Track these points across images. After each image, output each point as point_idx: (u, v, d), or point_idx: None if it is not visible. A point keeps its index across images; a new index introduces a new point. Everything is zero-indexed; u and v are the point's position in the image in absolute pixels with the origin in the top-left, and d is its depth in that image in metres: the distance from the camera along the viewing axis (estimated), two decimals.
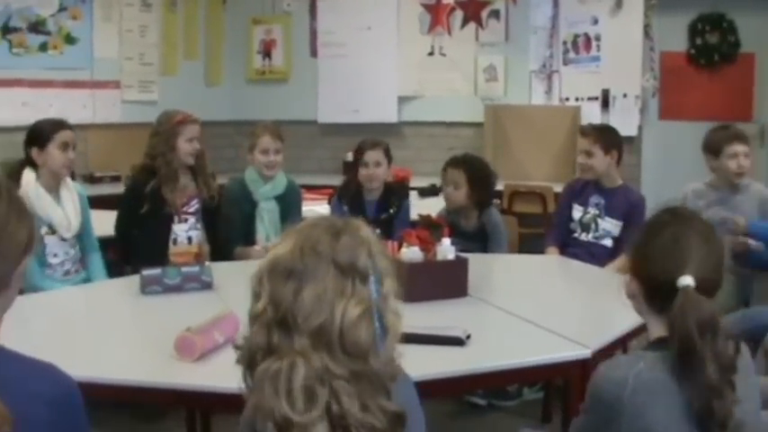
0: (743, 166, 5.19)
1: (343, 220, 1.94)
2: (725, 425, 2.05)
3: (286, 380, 1.72)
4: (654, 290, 2.24)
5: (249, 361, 1.81)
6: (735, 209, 5.19)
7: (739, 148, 5.19)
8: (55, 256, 4.72)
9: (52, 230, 4.68)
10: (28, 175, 4.62)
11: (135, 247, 5.02)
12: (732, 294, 5.03)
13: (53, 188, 4.70)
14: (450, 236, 4.14)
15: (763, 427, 2.28)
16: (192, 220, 5.01)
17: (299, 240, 1.84)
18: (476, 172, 5.31)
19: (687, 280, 2.14)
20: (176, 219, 4.94)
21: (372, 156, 5.29)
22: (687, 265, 2.17)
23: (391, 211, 5.31)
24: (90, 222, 4.98)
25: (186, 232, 4.82)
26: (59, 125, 4.70)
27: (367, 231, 1.91)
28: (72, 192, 4.82)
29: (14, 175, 4.54)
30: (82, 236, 4.89)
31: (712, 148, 5.28)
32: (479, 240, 5.28)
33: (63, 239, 4.74)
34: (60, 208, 4.69)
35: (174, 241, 4.79)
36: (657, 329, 2.24)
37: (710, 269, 2.21)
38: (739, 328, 4.55)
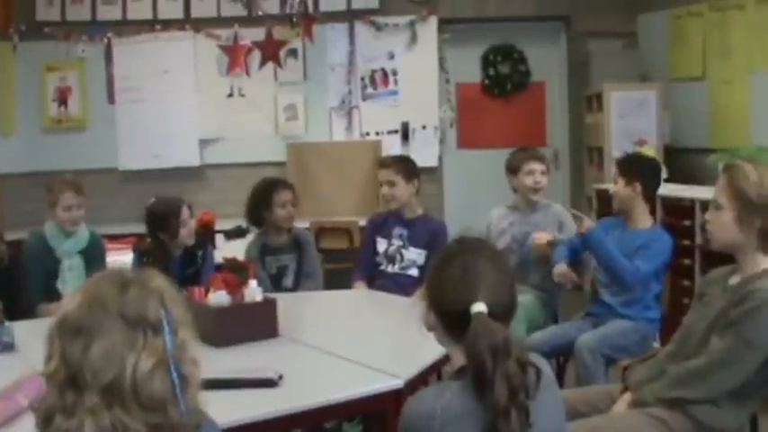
0: (539, 182, 5.46)
1: (133, 271, 1.92)
2: None
3: None
4: (450, 320, 2.28)
5: (44, 424, 1.77)
6: (536, 226, 5.42)
7: (535, 165, 5.47)
8: None
9: None
10: None
11: None
12: (541, 311, 5.26)
13: None
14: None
15: None
16: None
17: (86, 296, 1.81)
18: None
19: (479, 307, 2.20)
20: None
21: (186, 212, 5.14)
22: (479, 292, 2.22)
23: (198, 261, 5.21)
24: None
25: None
26: None
27: (159, 281, 1.90)
28: None
29: None
30: None
31: (511, 167, 5.58)
32: (293, 251, 5.45)
33: None
34: None
35: None
36: (459, 358, 2.28)
37: (502, 294, 2.27)
38: (555, 341, 4.75)
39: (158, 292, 1.86)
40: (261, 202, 5.41)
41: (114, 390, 1.73)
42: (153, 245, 5.13)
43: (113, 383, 1.73)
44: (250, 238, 5.78)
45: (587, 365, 4.49)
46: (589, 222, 4.88)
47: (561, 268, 4.98)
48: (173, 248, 5.01)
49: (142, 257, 5.12)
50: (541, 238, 5.24)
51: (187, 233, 5.00)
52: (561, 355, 4.98)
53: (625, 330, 4.67)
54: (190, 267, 5.15)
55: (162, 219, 4.97)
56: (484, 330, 2.15)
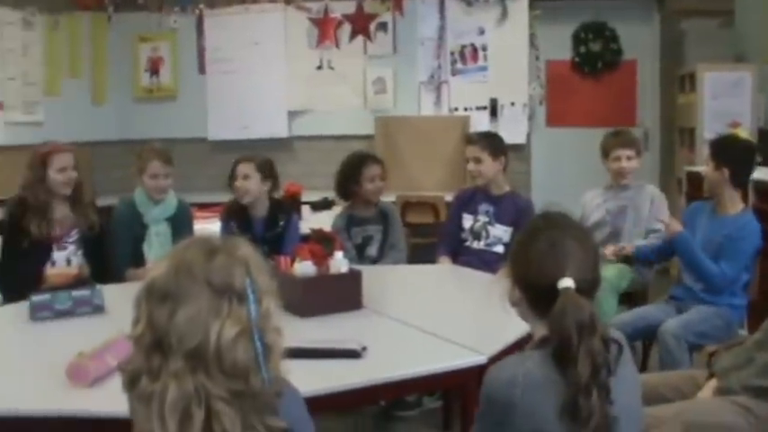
0: (624, 168, 5.50)
1: (220, 239, 1.94)
2: (587, 423, 2.08)
3: (158, 403, 1.72)
4: (536, 294, 2.27)
5: (130, 385, 1.80)
6: (630, 200, 5.52)
7: (621, 152, 5.51)
8: None
9: None
10: None
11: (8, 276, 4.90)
12: (631, 277, 5.32)
13: None
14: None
15: (640, 424, 2.32)
16: (71, 248, 4.93)
17: (173, 262, 1.83)
18: None
19: (567, 282, 2.19)
20: (55, 248, 4.87)
21: (241, 169, 5.23)
22: (566, 267, 2.22)
23: (280, 225, 5.28)
24: None
25: (65, 257, 4.82)
26: None
27: (246, 250, 1.91)
28: None
29: None
30: None
31: (602, 151, 5.63)
32: (380, 222, 5.52)
33: None
34: None
35: (53, 264, 4.76)
36: (541, 333, 2.27)
37: (588, 270, 2.26)
38: (639, 324, 4.69)
39: (244, 261, 1.87)
40: (350, 177, 5.47)
41: (198, 356, 1.76)
42: (236, 207, 5.22)
43: (197, 349, 1.76)
44: (336, 210, 5.81)
45: (671, 351, 4.42)
46: (677, 226, 4.83)
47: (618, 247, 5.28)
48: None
49: (229, 224, 5.20)
50: (610, 251, 5.30)
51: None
52: (644, 338, 4.92)
53: (708, 316, 4.59)
54: (271, 231, 5.23)
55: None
56: (571, 306, 2.14)
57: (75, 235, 4.95)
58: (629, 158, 5.50)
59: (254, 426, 1.75)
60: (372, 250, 5.48)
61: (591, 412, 2.08)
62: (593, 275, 2.29)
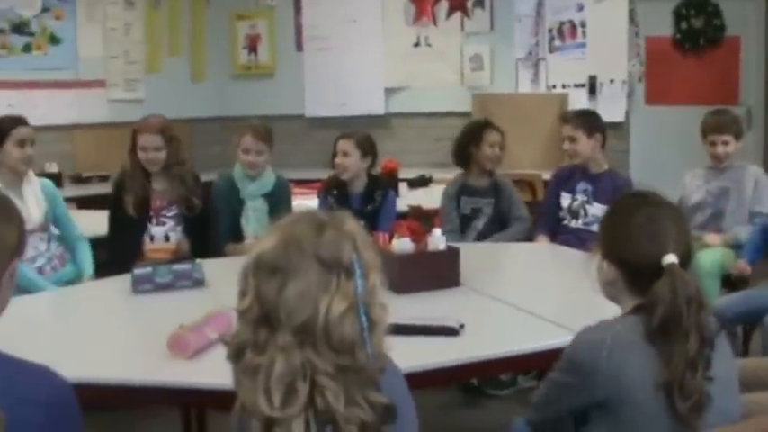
0: (719, 154, 5.38)
1: (327, 214, 1.93)
2: (689, 397, 2.07)
3: (265, 375, 1.73)
4: (636, 272, 2.27)
5: (236, 357, 1.81)
6: (733, 181, 5.39)
7: (717, 137, 5.38)
8: None
9: None
10: None
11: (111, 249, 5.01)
12: (733, 260, 5.17)
13: (14, 184, 4.67)
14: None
15: (731, 407, 2.29)
16: (170, 223, 4.99)
17: (282, 236, 1.83)
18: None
19: (671, 258, 2.18)
20: (153, 221, 4.95)
21: (341, 145, 5.28)
22: (668, 243, 2.22)
23: (377, 200, 5.30)
24: (65, 215, 4.97)
25: (163, 232, 4.90)
26: (16, 122, 4.73)
27: (352, 225, 1.91)
28: (35, 186, 4.82)
29: None
30: (62, 230, 4.90)
31: (701, 131, 5.49)
32: (491, 195, 5.54)
33: (29, 235, 4.73)
34: (21, 202, 4.64)
35: (151, 239, 4.85)
36: (631, 305, 2.28)
37: (685, 245, 2.27)
38: (741, 308, 4.59)
39: (351, 235, 1.87)
40: (471, 139, 5.55)
41: (306, 330, 1.76)
42: (335, 182, 5.27)
43: (306, 324, 1.76)
44: (434, 187, 5.80)
45: None
46: None
47: (742, 266, 5.01)
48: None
49: (327, 199, 5.24)
50: (714, 240, 5.20)
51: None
52: (745, 322, 4.82)
53: None
54: (368, 206, 5.28)
55: None
56: (680, 281, 2.13)
57: (174, 210, 5.02)
58: (725, 144, 5.35)
59: (356, 401, 1.75)
60: (479, 224, 5.49)
61: (694, 389, 2.07)
62: (689, 250, 2.29)
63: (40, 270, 4.74)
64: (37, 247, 4.77)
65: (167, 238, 4.91)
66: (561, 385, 2.31)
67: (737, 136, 5.40)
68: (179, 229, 4.99)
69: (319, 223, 1.86)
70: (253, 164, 5.20)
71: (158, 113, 5.18)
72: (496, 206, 5.48)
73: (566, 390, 2.28)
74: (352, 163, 5.24)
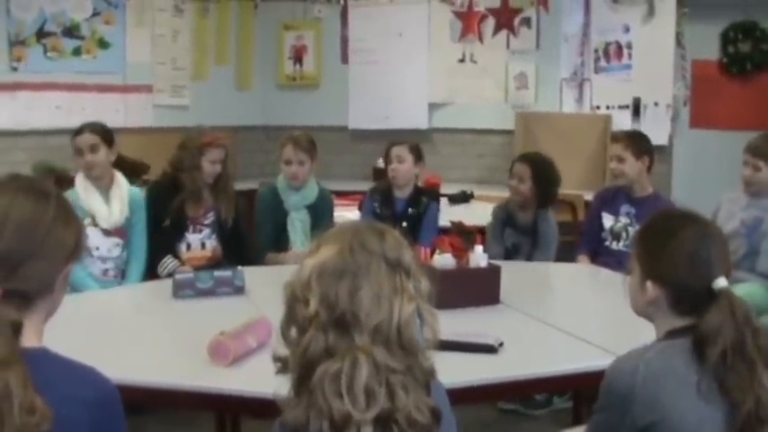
0: (746, 177, 5.09)
1: (379, 223, 1.98)
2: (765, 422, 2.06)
3: (348, 378, 1.73)
4: (684, 294, 2.23)
5: (308, 366, 1.79)
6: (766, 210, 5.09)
7: (748, 157, 5.09)
8: (96, 249, 4.79)
9: (94, 222, 4.74)
10: (80, 173, 4.82)
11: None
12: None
13: (102, 186, 4.82)
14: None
15: None
16: (206, 231, 5.06)
17: (345, 241, 1.86)
18: (541, 170, 5.38)
19: (723, 281, 2.16)
20: (190, 228, 5.00)
21: (396, 151, 5.37)
22: (717, 265, 2.20)
23: (420, 206, 5.36)
24: (141, 225, 4.98)
25: (200, 240, 4.97)
26: (77, 131, 4.84)
27: (399, 234, 1.96)
28: (122, 190, 4.90)
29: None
30: (130, 239, 4.94)
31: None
32: (531, 235, 5.38)
33: (107, 235, 4.81)
34: (106, 203, 4.78)
35: (188, 246, 4.90)
36: (667, 327, 2.26)
37: (729, 267, 2.25)
38: None
39: (404, 241, 1.93)
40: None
41: (381, 332, 1.79)
42: (382, 186, 5.44)
43: (381, 325, 1.78)
44: (475, 204, 5.80)
45: None
46: None
47: None
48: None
49: (372, 202, 5.31)
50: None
51: None
52: None
53: None
54: (413, 209, 5.39)
55: None
56: (736, 305, 2.13)
57: (210, 217, 5.07)
58: (755, 169, 5.04)
59: (416, 404, 1.77)
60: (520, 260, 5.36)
61: (758, 411, 2.06)
62: (730, 272, 2.25)
63: (105, 272, 4.82)
64: (111, 251, 4.85)
65: (203, 246, 4.96)
66: (603, 423, 2.27)
67: None
68: (214, 236, 5.05)
69: (379, 229, 1.92)
70: (294, 175, 5.22)
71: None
72: (533, 245, 5.38)
73: (609, 427, 2.25)
74: (407, 169, 5.34)
